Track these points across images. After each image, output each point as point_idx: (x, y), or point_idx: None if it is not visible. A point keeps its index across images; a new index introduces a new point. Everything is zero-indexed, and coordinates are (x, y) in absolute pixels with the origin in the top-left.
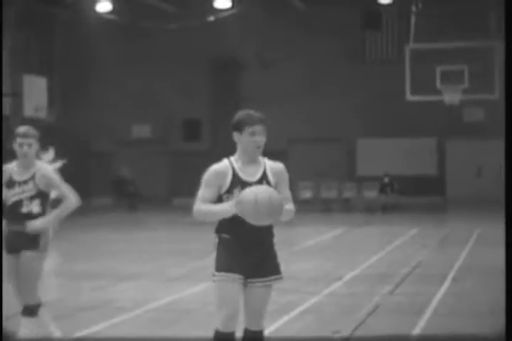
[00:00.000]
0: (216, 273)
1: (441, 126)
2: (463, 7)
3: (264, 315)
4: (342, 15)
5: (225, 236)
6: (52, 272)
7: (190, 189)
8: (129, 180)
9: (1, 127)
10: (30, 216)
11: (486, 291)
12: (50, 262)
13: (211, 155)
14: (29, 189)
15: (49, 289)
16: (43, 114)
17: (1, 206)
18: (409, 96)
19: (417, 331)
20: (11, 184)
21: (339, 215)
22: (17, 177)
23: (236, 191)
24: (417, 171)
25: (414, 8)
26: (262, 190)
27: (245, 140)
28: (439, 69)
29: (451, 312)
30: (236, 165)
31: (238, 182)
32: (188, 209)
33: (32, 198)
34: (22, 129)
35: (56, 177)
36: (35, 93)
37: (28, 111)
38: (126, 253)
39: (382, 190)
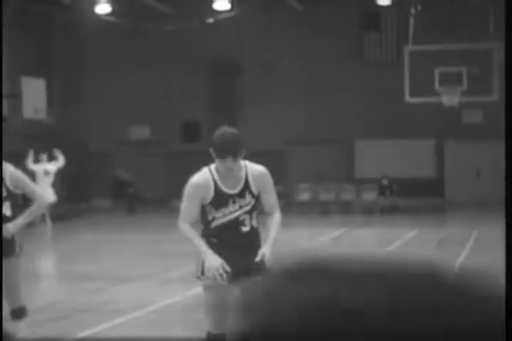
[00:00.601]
0: (202, 277)
1: (439, 127)
2: (461, 9)
3: None
4: (340, 16)
5: (213, 240)
6: (51, 274)
7: None
8: (127, 181)
9: (1, 128)
10: (4, 219)
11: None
12: (49, 263)
13: (210, 156)
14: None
15: (48, 291)
16: (42, 116)
17: (0, 206)
18: (408, 98)
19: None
20: None
21: (338, 217)
22: None
23: (218, 203)
24: (416, 173)
25: (413, 10)
26: None
27: (218, 162)
28: (437, 71)
29: None
30: (217, 176)
31: (220, 195)
32: None
33: (3, 200)
34: None
35: (25, 177)
36: (34, 94)
37: (27, 112)
38: (125, 255)
39: (381, 192)
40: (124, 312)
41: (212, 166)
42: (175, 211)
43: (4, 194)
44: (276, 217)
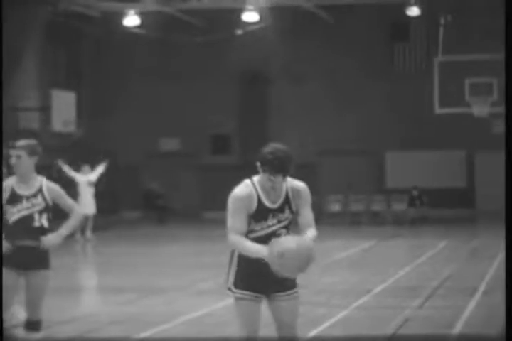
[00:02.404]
0: (235, 290)
1: (470, 138)
2: (491, 18)
3: (296, 327)
4: (370, 27)
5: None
6: (81, 286)
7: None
8: (157, 193)
9: (1, 136)
10: (42, 230)
11: None
12: (80, 276)
13: (240, 169)
14: (38, 203)
15: (79, 303)
16: (71, 129)
17: (0, 219)
18: (438, 109)
19: None
20: (17, 199)
21: (368, 228)
22: (22, 192)
23: (259, 217)
24: (446, 184)
25: (442, 20)
26: (292, 243)
27: (262, 177)
28: (467, 82)
29: (482, 325)
30: (260, 190)
31: (262, 208)
32: (216, 222)
33: (41, 212)
34: (16, 142)
35: (61, 190)
36: (63, 107)
37: (57, 125)
38: (155, 267)
39: (411, 202)
40: (154, 324)
41: (255, 179)
42: (204, 222)
43: (43, 206)
44: (312, 231)
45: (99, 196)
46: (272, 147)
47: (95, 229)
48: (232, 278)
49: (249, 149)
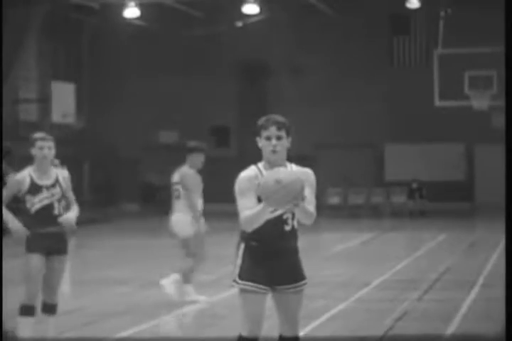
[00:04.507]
0: (240, 282)
1: (469, 131)
2: (491, 11)
3: (298, 321)
4: (370, 19)
5: (252, 243)
6: (78, 279)
7: (219, 195)
8: (156, 186)
9: (1, 129)
10: (57, 217)
11: None
12: (77, 268)
13: (239, 161)
14: (57, 192)
15: (75, 296)
16: (70, 120)
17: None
18: (438, 102)
19: (445, 337)
20: (37, 188)
21: (367, 221)
22: (41, 182)
23: None
24: (446, 177)
25: (442, 13)
26: (284, 171)
27: (262, 144)
28: (467, 75)
29: (481, 318)
30: (264, 172)
31: None
32: (215, 214)
33: (59, 201)
34: (39, 134)
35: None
36: (63, 99)
37: (56, 117)
38: (154, 259)
39: (411, 195)
40: (153, 316)
41: (260, 163)
42: (204, 215)
43: (60, 195)
44: (311, 209)
45: (97, 188)
46: (263, 117)
47: (94, 221)
48: (237, 270)
49: (248, 142)
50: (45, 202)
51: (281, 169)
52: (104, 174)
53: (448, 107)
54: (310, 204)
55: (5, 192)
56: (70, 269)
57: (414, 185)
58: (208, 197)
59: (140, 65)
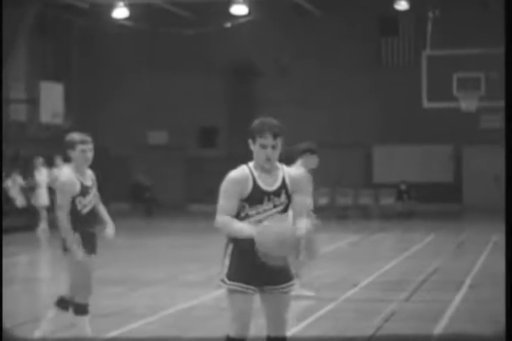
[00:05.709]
0: (228, 282)
1: (457, 133)
2: (480, 13)
3: (286, 321)
4: (358, 21)
5: (240, 243)
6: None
7: (206, 195)
8: (145, 185)
9: (1, 129)
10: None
11: (502, 298)
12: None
13: (227, 161)
14: (95, 193)
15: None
16: (59, 120)
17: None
18: (426, 103)
19: (433, 338)
20: (86, 190)
21: (355, 222)
22: (87, 183)
23: (254, 200)
24: (434, 178)
25: (431, 15)
26: (287, 230)
27: (255, 150)
28: (455, 76)
29: (468, 319)
30: (255, 173)
31: (257, 191)
32: (203, 215)
33: (97, 201)
34: (77, 136)
35: None
36: (51, 99)
37: (45, 117)
38: (143, 259)
39: (399, 196)
40: (142, 316)
41: (250, 163)
42: (191, 215)
43: (97, 195)
44: (302, 223)
45: None
46: (258, 119)
47: None
48: (225, 270)
49: (237, 142)
50: (93, 202)
51: (283, 226)
52: (93, 174)
53: (436, 108)
54: (300, 213)
55: (64, 197)
56: (59, 269)
57: (403, 187)
58: (196, 197)
59: (129, 66)
